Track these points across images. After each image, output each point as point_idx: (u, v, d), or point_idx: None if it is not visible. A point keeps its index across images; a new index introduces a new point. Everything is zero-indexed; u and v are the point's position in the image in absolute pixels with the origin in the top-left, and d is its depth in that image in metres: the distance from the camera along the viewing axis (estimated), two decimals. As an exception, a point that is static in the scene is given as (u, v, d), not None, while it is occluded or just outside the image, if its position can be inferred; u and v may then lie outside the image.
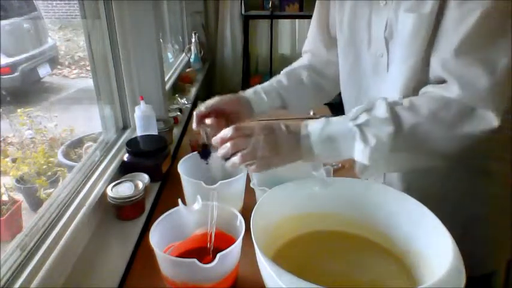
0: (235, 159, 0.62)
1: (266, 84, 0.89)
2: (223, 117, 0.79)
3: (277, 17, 3.04)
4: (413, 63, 0.67)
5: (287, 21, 3.17)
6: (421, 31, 0.65)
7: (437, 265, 0.49)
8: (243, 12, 2.96)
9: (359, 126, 0.60)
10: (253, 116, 0.85)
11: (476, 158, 0.74)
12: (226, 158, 0.64)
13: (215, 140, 0.65)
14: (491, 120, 0.58)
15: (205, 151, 0.87)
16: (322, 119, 0.64)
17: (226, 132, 0.64)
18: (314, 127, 0.63)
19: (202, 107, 0.78)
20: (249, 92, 0.86)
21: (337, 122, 0.63)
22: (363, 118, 0.61)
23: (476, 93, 0.59)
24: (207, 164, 0.88)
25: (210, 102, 0.79)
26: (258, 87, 0.88)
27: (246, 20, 2.95)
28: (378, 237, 0.64)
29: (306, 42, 0.99)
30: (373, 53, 0.76)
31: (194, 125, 0.79)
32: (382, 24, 0.72)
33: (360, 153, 0.60)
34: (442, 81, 0.64)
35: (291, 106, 0.90)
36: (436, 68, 0.64)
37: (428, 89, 0.65)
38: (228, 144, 0.63)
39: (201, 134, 0.80)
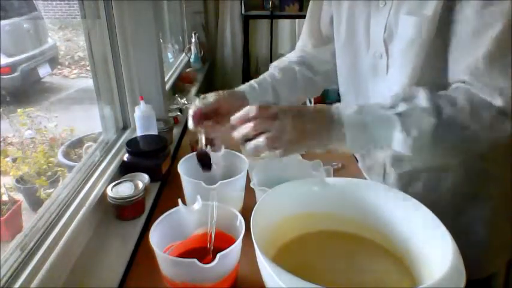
0: (259, 141, 0.56)
1: (259, 78, 0.88)
2: (220, 116, 0.75)
3: (277, 17, 3.04)
4: (414, 65, 0.67)
5: (287, 21, 3.17)
6: (423, 34, 0.64)
7: (437, 265, 0.49)
8: (243, 12, 2.96)
9: (399, 115, 0.57)
10: None
11: (483, 161, 0.73)
12: (245, 140, 0.58)
13: (234, 118, 0.59)
14: None
15: (205, 160, 0.80)
16: (354, 105, 0.60)
17: (249, 110, 0.57)
18: (348, 113, 0.58)
19: (198, 103, 0.74)
20: (243, 87, 0.85)
21: (373, 109, 0.59)
22: (403, 107, 0.58)
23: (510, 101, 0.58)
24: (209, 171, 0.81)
25: (208, 100, 0.74)
26: (252, 81, 0.87)
27: (246, 20, 2.95)
28: (378, 237, 0.64)
29: (299, 41, 0.99)
30: (372, 54, 0.75)
31: (191, 125, 0.74)
32: (381, 26, 0.71)
33: (400, 143, 0.57)
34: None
35: (283, 99, 0.89)
36: (459, 72, 0.62)
37: (460, 85, 0.62)
38: (251, 124, 0.57)
39: (198, 137, 0.75)
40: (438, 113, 0.57)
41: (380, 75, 0.75)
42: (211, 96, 0.75)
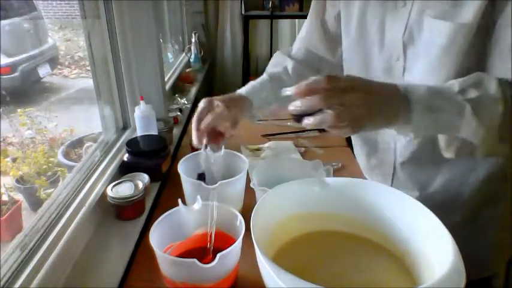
0: (326, 116, 0.50)
1: (260, 80, 0.87)
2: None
3: (277, 17, 3.04)
4: (445, 74, 0.63)
5: (287, 21, 3.17)
6: (458, 41, 0.61)
7: (437, 265, 0.50)
8: (243, 12, 2.96)
9: (470, 101, 0.54)
10: (251, 112, 0.82)
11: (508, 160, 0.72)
12: (305, 114, 0.52)
13: (298, 88, 0.52)
14: None
15: (202, 177, 0.81)
16: (423, 85, 0.56)
17: (316, 81, 0.51)
18: (419, 94, 0.54)
19: (206, 118, 0.70)
20: (247, 91, 0.83)
21: (442, 93, 0.56)
22: (473, 93, 0.55)
23: None
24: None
25: (215, 116, 0.70)
26: (255, 84, 0.85)
27: (246, 20, 2.95)
28: (378, 237, 0.64)
29: (298, 39, 0.96)
30: (387, 56, 0.72)
31: (195, 141, 0.71)
32: (399, 27, 0.68)
33: (469, 130, 0.55)
34: None
35: (284, 102, 0.89)
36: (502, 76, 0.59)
37: None
38: (317, 98, 0.50)
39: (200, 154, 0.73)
40: (506, 103, 0.55)
41: (395, 78, 0.72)
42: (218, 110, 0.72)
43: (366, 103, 0.52)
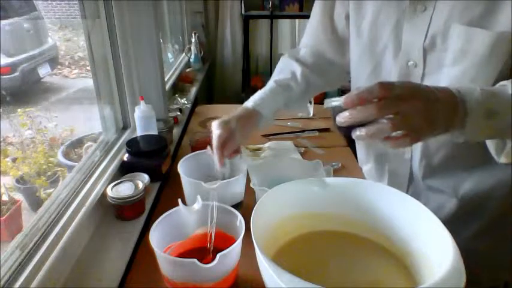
0: (383, 127, 0.47)
1: (269, 89, 0.86)
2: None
3: (277, 17, 3.04)
4: (483, 82, 0.61)
5: (287, 21, 3.17)
6: (499, 50, 0.58)
7: (437, 265, 0.49)
8: (243, 12, 2.96)
9: None
10: (261, 124, 0.83)
11: None
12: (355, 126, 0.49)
13: (349, 98, 0.48)
14: None
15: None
16: (474, 87, 0.52)
17: (369, 90, 0.47)
18: (474, 97, 0.51)
19: (220, 135, 0.74)
20: (255, 103, 0.83)
21: (498, 94, 0.53)
22: None
23: None
24: None
25: (233, 143, 0.76)
26: (263, 94, 0.84)
27: (246, 20, 2.95)
28: (378, 237, 0.64)
29: (306, 36, 0.94)
30: (403, 62, 0.70)
31: (218, 165, 0.76)
32: (420, 33, 0.66)
33: None
34: None
35: (292, 106, 0.88)
36: None
37: None
38: (371, 108, 0.47)
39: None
40: None
41: None
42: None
43: (425, 111, 0.49)
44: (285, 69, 0.91)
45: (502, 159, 0.60)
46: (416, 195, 0.82)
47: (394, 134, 0.49)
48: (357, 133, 0.50)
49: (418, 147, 0.77)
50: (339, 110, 0.50)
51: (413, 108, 0.48)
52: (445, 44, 0.64)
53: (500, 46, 0.58)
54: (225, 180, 0.78)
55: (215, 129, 0.76)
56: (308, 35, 0.94)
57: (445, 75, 0.66)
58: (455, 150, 0.73)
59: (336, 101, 0.50)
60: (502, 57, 0.59)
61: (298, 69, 0.89)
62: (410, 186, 0.83)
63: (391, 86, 0.48)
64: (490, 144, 0.59)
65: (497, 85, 0.57)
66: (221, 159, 0.76)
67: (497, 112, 0.52)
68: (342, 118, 0.49)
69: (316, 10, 0.90)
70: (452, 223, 0.63)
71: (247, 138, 0.82)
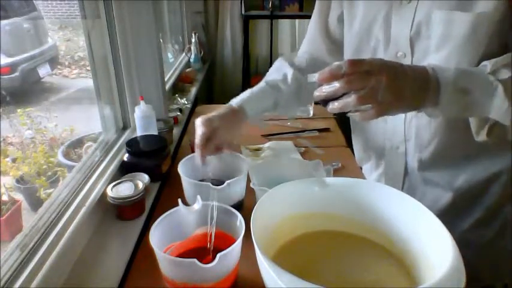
0: (349, 99, 0.51)
1: (257, 88, 0.86)
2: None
3: (277, 17, 3.04)
4: (467, 63, 0.62)
5: (287, 21, 3.17)
6: (480, 30, 0.59)
7: (437, 265, 0.49)
8: (243, 12, 2.96)
9: (502, 82, 0.53)
10: (247, 121, 0.82)
11: None
12: (329, 99, 0.53)
13: (321, 75, 0.53)
14: None
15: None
16: (452, 68, 0.55)
17: (339, 66, 0.51)
18: (447, 75, 0.54)
19: (202, 134, 0.74)
20: (242, 100, 0.83)
21: (472, 73, 0.55)
22: (505, 74, 0.54)
23: None
24: None
25: (213, 132, 0.74)
26: (251, 93, 0.84)
27: (246, 20, 2.95)
28: (377, 237, 0.64)
29: (304, 43, 0.96)
30: (392, 53, 0.72)
31: (199, 161, 0.76)
32: (406, 24, 0.68)
33: (499, 111, 0.54)
34: None
35: (282, 108, 0.88)
36: None
37: None
38: (340, 83, 0.51)
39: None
40: None
41: None
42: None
43: (391, 85, 0.51)
44: (278, 70, 0.91)
45: (479, 138, 0.62)
46: (412, 189, 0.83)
47: (363, 107, 0.53)
48: (329, 106, 0.54)
49: (411, 140, 0.78)
50: (318, 85, 0.56)
51: (379, 83, 0.51)
52: (429, 31, 0.66)
53: (480, 27, 0.60)
54: (225, 181, 0.78)
55: (198, 127, 0.76)
56: (306, 42, 0.95)
57: (435, 61, 0.67)
58: (447, 143, 0.74)
59: (314, 77, 0.55)
60: (483, 39, 0.61)
61: (289, 71, 0.89)
62: (406, 180, 0.84)
63: (359, 62, 0.52)
64: (472, 122, 0.61)
65: (480, 65, 0.58)
66: (203, 157, 0.76)
67: (469, 89, 0.54)
68: (318, 92, 0.55)
69: (313, 16, 0.91)
70: (448, 216, 0.64)
71: (234, 136, 0.80)
